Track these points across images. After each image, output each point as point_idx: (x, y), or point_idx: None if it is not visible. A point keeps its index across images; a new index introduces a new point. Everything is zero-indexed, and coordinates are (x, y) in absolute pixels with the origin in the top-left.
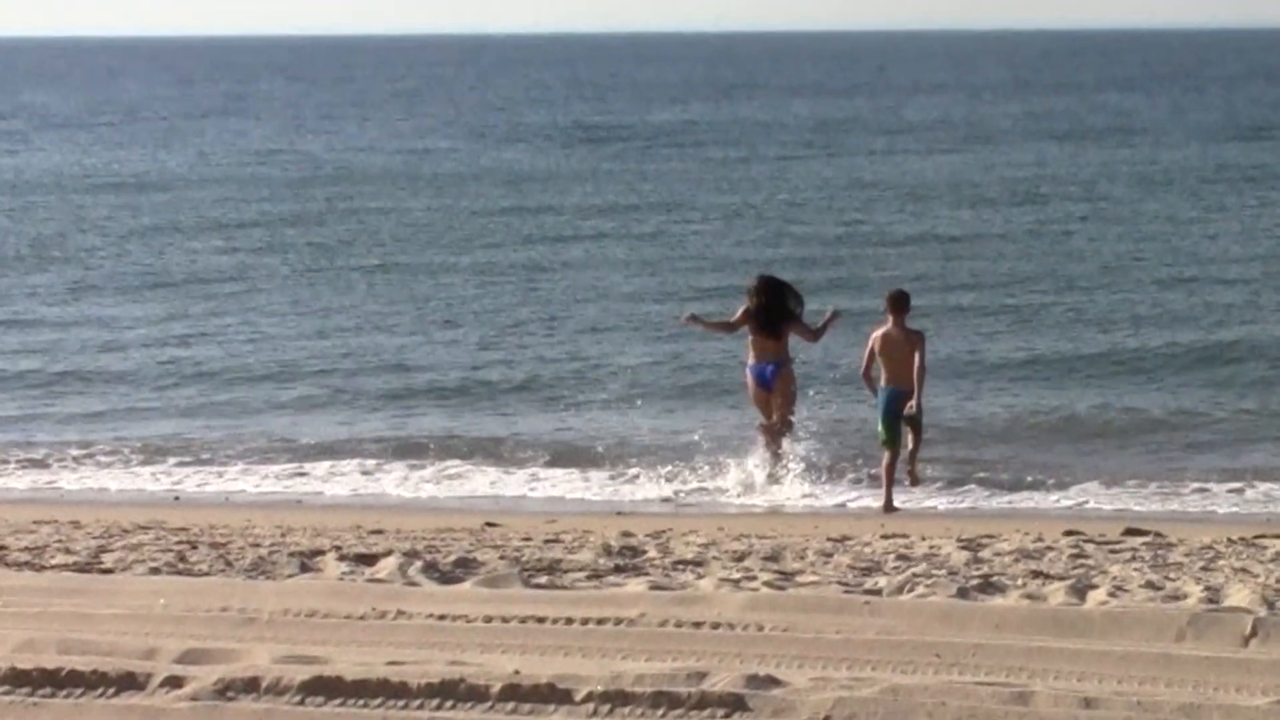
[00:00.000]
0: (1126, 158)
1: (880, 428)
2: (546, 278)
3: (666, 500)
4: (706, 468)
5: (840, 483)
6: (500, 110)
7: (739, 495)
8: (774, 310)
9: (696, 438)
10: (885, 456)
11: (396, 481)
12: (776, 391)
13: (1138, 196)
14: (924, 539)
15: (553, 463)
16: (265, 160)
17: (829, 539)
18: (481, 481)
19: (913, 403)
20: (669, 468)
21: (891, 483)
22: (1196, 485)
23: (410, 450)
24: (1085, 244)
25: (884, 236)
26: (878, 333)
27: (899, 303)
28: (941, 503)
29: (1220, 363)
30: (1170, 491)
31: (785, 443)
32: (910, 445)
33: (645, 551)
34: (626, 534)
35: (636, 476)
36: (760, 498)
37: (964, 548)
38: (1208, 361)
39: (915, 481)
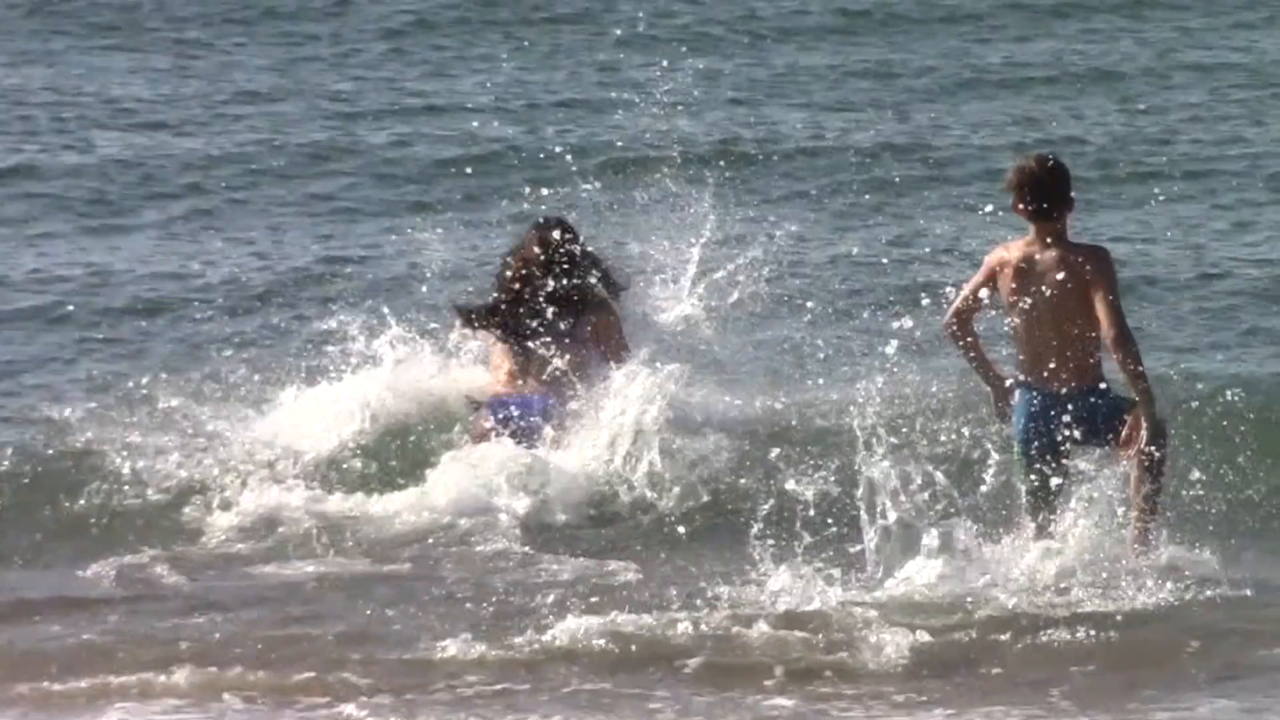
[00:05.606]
0: None
1: (1019, 467)
2: None
3: None
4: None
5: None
6: None
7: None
8: (554, 285)
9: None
10: (1028, 528)
11: None
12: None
13: None
14: None
15: None
16: None
17: None
18: None
19: (1140, 438)
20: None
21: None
22: None
23: None
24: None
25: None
26: (1002, 256)
27: (1052, 187)
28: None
29: None
30: None
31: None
32: (1138, 511)
33: None
34: None
35: None
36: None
37: None
38: None
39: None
